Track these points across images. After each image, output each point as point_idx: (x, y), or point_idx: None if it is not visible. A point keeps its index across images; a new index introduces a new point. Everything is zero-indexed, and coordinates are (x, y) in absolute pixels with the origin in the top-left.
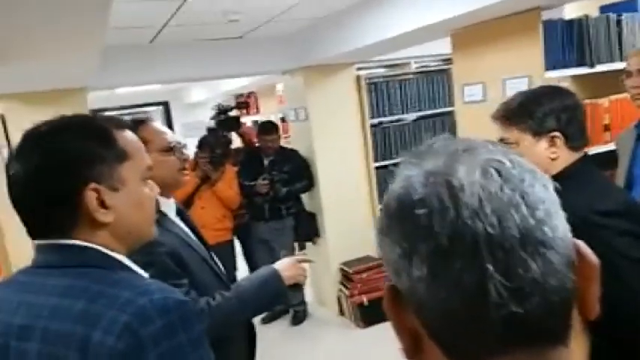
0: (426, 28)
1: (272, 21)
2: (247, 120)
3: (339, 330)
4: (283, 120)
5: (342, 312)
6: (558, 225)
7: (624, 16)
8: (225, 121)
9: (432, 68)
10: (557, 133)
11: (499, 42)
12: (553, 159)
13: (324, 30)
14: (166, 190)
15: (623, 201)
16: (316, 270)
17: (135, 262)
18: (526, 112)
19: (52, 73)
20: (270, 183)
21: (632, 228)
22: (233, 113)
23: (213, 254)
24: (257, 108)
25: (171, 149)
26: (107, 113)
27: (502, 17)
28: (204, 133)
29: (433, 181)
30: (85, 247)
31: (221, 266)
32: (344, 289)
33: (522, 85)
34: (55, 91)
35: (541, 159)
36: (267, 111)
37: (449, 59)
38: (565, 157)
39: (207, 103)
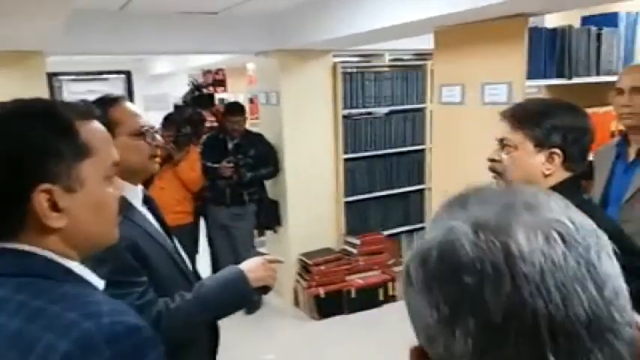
0: (411, 24)
1: None
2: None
3: (294, 321)
4: (252, 101)
5: (297, 303)
6: (625, 306)
7: (604, 30)
8: (198, 97)
9: (406, 63)
10: (557, 150)
11: (482, 45)
12: (546, 175)
13: (305, 14)
14: (134, 177)
15: (612, 226)
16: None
17: (88, 257)
18: (535, 120)
19: (12, 33)
20: (235, 167)
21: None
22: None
23: (178, 247)
24: (225, 86)
25: (142, 133)
26: (63, 78)
27: (488, 20)
28: (165, 106)
29: (485, 240)
30: (29, 252)
31: (187, 262)
32: (301, 280)
33: (502, 92)
34: (10, 53)
35: (534, 171)
36: (236, 90)
37: (422, 55)
38: (558, 175)
39: (172, 75)
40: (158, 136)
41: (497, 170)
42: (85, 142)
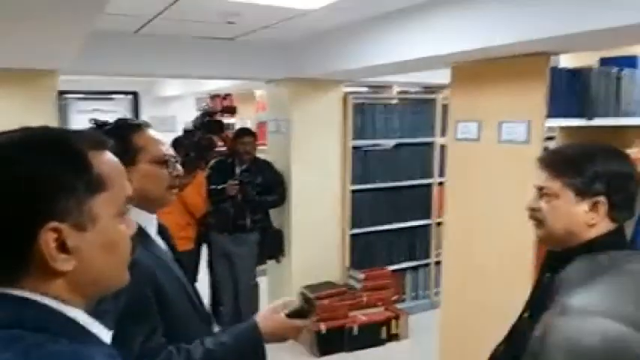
0: (428, 59)
1: (270, 27)
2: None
3: (292, 358)
4: (258, 128)
5: (297, 338)
6: None
7: (625, 71)
8: (208, 123)
9: (415, 96)
10: (602, 199)
11: (501, 82)
12: (590, 225)
13: (318, 44)
14: (150, 205)
15: None
16: (275, 289)
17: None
18: (576, 167)
19: (27, 52)
20: (240, 184)
21: None
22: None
23: (191, 279)
24: (234, 113)
25: (164, 162)
26: (70, 96)
27: (507, 58)
28: (171, 128)
29: None
30: (27, 300)
31: (199, 294)
32: None
33: (521, 130)
34: (23, 71)
35: (577, 221)
36: (244, 115)
37: (430, 88)
38: (603, 225)
39: (179, 98)
40: (179, 167)
41: (537, 219)
42: (98, 174)
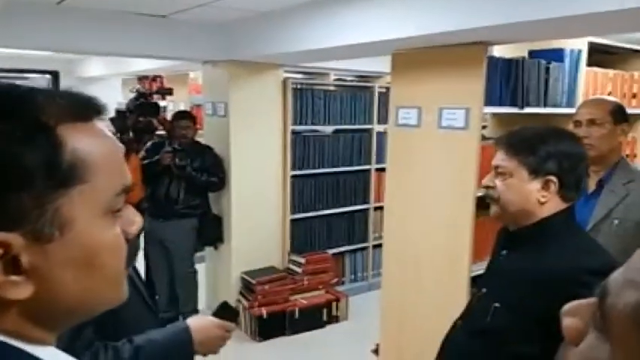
0: (368, 45)
1: (207, 5)
2: None
3: (234, 344)
4: (192, 110)
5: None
6: None
7: (553, 64)
8: (143, 105)
9: (352, 83)
10: (553, 178)
11: (440, 70)
12: (542, 202)
13: (259, 25)
14: None
15: (609, 261)
16: (214, 276)
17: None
18: (530, 147)
19: None
20: (174, 152)
21: None
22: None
23: (137, 269)
24: (172, 94)
25: None
26: None
27: (447, 46)
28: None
29: None
30: None
31: (142, 279)
32: (243, 299)
33: (460, 116)
34: None
35: (529, 199)
36: (176, 98)
37: (366, 77)
38: (553, 204)
39: (104, 79)
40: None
41: (492, 196)
42: (72, 159)
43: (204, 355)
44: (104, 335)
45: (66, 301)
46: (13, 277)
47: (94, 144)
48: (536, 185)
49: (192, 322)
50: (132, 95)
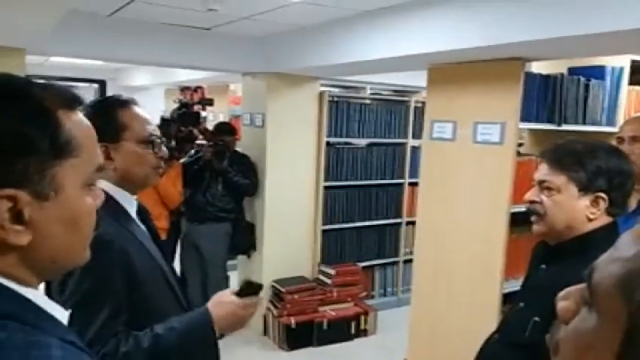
0: (404, 58)
1: (249, 18)
2: None
3: (261, 352)
4: (230, 120)
5: (265, 332)
6: None
7: (592, 81)
8: (184, 115)
9: (388, 97)
10: (603, 195)
11: (477, 85)
12: (590, 219)
13: (297, 39)
14: (133, 186)
15: None
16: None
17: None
18: (579, 162)
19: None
20: (215, 146)
21: None
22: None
23: (173, 266)
24: (212, 105)
25: (150, 142)
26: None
27: (483, 61)
28: None
29: None
30: None
31: (176, 281)
32: (273, 307)
33: (495, 131)
34: None
35: (578, 215)
36: (216, 109)
37: (402, 91)
38: (599, 219)
39: (148, 89)
40: (165, 148)
41: (537, 212)
42: (67, 137)
43: (230, 332)
44: (135, 328)
45: (51, 250)
46: (18, 227)
47: (80, 128)
48: (585, 202)
49: (213, 305)
50: (174, 105)
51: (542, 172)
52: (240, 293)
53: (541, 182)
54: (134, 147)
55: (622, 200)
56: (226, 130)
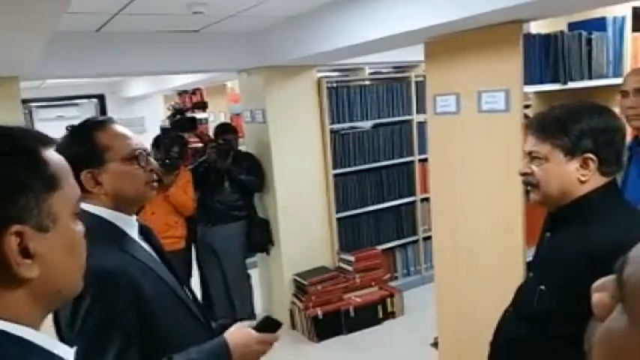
0: (399, 36)
1: (236, 16)
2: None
3: (292, 345)
4: (231, 120)
5: (294, 326)
6: None
7: (594, 34)
8: (179, 121)
9: (388, 75)
10: (591, 155)
11: (475, 53)
12: (582, 182)
13: (288, 29)
14: (129, 206)
15: None
16: (267, 280)
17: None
18: (562, 128)
19: None
20: (218, 145)
21: None
22: (189, 114)
23: (187, 284)
24: (205, 108)
25: (135, 157)
26: (32, 104)
27: (480, 28)
28: (141, 130)
29: None
30: None
31: (190, 296)
32: (297, 301)
33: (500, 99)
34: None
35: (569, 179)
36: (216, 109)
37: (402, 67)
38: (594, 180)
39: (146, 98)
40: (152, 160)
41: (531, 183)
42: (52, 171)
43: None
44: (152, 357)
45: (58, 280)
46: (27, 260)
47: (59, 162)
48: (574, 165)
49: (230, 336)
50: (169, 112)
51: (530, 143)
52: (258, 327)
53: (530, 153)
54: (120, 166)
55: (615, 157)
56: (227, 129)
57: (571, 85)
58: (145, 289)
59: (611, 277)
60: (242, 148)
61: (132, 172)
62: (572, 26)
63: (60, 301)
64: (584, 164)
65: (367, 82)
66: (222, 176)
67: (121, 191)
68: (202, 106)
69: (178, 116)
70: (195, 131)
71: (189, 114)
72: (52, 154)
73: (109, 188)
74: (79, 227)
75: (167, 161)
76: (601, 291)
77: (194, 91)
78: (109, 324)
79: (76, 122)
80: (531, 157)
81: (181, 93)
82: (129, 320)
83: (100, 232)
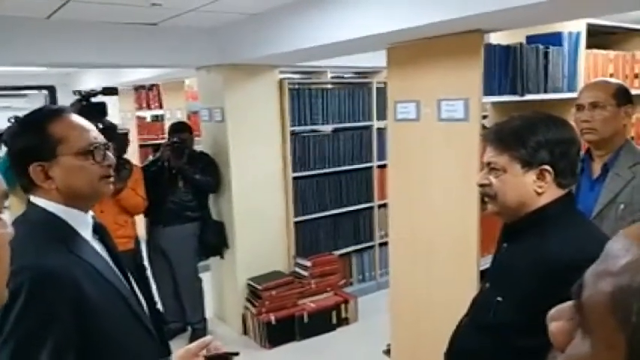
0: (361, 40)
1: (196, 10)
2: (147, 114)
3: (243, 351)
4: (189, 117)
5: (246, 331)
6: None
7: (551, 49)
8: (85, 108)
9: (349, 80)
10: (547, 167)
11: (437, 61)
12: (539, 193)
13: (250, 27)
14: (83, 202)
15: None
16: (220, 284)
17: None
18: (519, 140)
19: None
20: (173, 145)
21: None
22: (98, 99)
23: (135, 288)
24: (160, 102)
25: (90, 152)
26: None
27: (442, 36)
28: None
29: None
30: None
31: (143, 302)
32: (250, 306)
33: (459, 107)
34: None
35: (526, 191)
36: (173, 106)
37: (364, 73)
38: (550, 192)
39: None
40: (110, 154)
41: (489, 194)
42: None
43: None
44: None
45: None
46: None
47: None
48: (531, 177)
49: (179, 356)
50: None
51: (488, 154)
52: (210, 356)
53: (488, 164)
54: (73, 160)
55: (570, 169)
56: (182, 128)
57: (528, 97)
58: (88, 292)
59: (566, 304)
60: (198, 147)
61: (85, 167)
62: (530, 39)
63: None
64: (541, 176)
65: (329, 86)
66: (176, 175)
67: (73, 186)
68: (111, 92)
69: (84, 102)
70: (104, 120)
71: (97, 99)
72: None
73: (60, 183)
74: (2, 229)
75: (118, 165)
76: (558, 319)
77: (151, 87)
78: (41, 331)
79: (22, 113)
80: (489, 168)
81: (137, 88)
82: (65, 327)
83: (48, 229)
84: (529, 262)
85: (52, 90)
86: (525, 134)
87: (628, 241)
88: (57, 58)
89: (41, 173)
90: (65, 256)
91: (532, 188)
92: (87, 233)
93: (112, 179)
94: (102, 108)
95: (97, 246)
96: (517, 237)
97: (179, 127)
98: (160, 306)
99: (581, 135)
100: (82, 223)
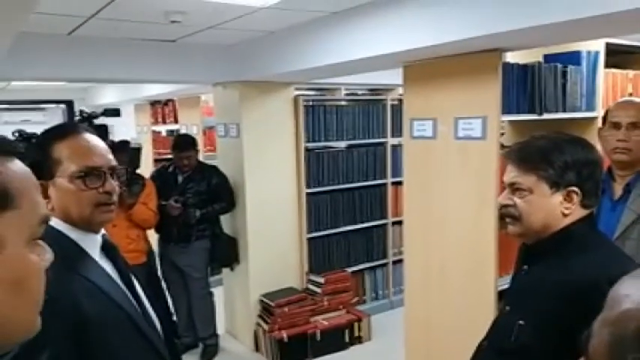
0: (378, 58)
1: (215, 28)
2: (163, 129)
3: None
4: (204, 133)
5: (258, 348)
6: None
7: (569, 68)
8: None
9: (364, 97)
10: (575, 189)
11: (454, 79)
12: (565, 215)
13: (267, 45)
14: (79, 226)
15: (630, 269)
16: (233, 299)
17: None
18: (546, 160)
19: None
20: (183, 205)
21: None
22: (100, 121)
23: (146, 305)
24: (175, 117)
25: (81, 177)
26: None
27: (459, 55)
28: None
29: None
30: None
31: (156, 322)
32: (263, 322)
33: (476, 126)
34: None
35: (552, 212)
36: (188, 121)
37: (378, 90)
38: (575, 213)
39: (118, 106)
40: (112, 181)
41: (512, 215)
42: (4, 186)
43: None
44: None
45: None
46: None
47: (17, 175)
48: (558, 198)
49: None
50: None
51: (511, 173)
52: None
53: (511, 184)
54: (66, 184)
55: (595, 190)
56: (186, 144)
57: (546, 116)
58: (90, 314)
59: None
60: (214, 162)
61: (77, 193)
62: (547, 58)
63: (7, 347)
64: (568, 197)
65: (343, 103)
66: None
67: (66, 210)
68: (114, 113)
69: (86, 124)
70: (106, 141)
71: (99, 121)
72: (7, 166)
73: (55, 204)
74: (35, 257)
75: (130, 181)
76: None
77: (166, 102)
78: (36, 352)
79: (42, 127)
80: (513, 188)
81: (154, 103)
82: (60, 349)
83: (54, 248)
84: (552, 284)
85: (70, 104)
86: (553, 154)
87: (632, 281)
88: (77, 73)
89: (42, 192)
90: (68, 277)
91: (559, 209)
92: (95, 252)
93: (111, 207)
94: (104, 130)
95: (106, 265)
96: (539, 259)
97: (183, 145)
98: (175, 318)
99: (612, 154)
100: (90, 242)
